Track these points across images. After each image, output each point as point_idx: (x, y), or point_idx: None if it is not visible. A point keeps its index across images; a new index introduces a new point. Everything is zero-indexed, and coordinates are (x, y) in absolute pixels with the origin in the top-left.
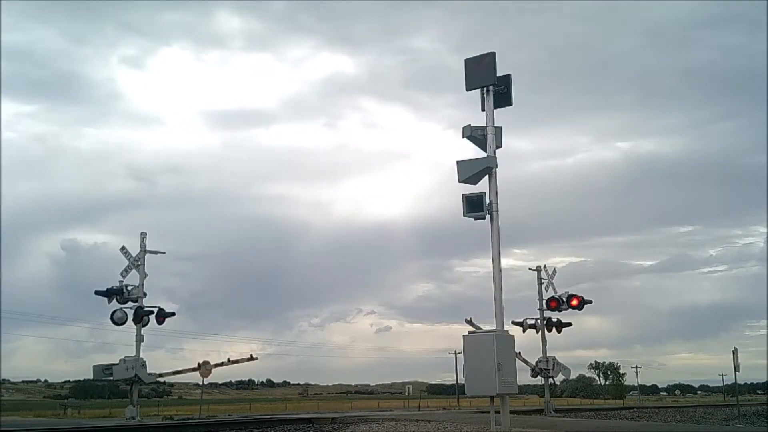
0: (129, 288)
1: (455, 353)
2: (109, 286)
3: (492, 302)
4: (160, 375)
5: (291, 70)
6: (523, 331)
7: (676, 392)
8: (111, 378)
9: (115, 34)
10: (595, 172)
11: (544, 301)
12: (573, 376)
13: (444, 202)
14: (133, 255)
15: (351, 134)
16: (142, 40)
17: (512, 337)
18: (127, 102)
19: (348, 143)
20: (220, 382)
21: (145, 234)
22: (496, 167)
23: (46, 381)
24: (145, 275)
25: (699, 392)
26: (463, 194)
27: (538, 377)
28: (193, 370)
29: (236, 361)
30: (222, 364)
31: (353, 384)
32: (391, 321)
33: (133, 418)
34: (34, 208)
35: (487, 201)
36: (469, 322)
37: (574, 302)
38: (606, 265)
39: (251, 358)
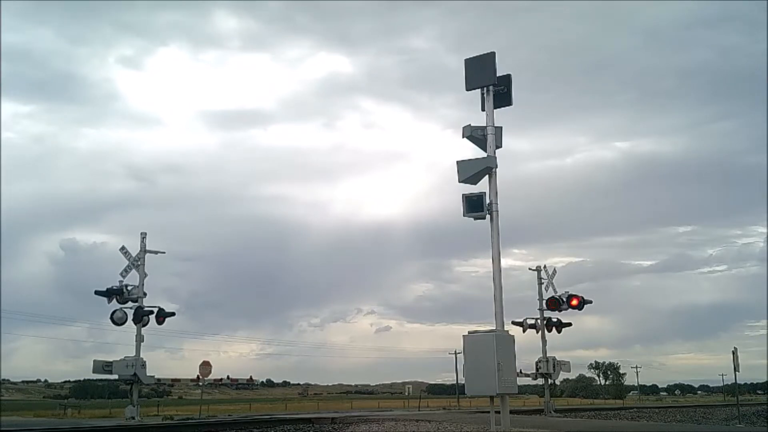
0: (129, 288)
1: (455, 353)
2: (109, 286)
3: (492, 302)
4: (159, 379)
5: (288, 70)
6: (523, 331)
7: (676, 392)
8: (110, 373)
9: (112, 34)
10: (594, 172)
11: (544, 301)
12: (573, 376)
13: (443, 202)
14: (133, 255)
15: (349, 134)
16: (139, 40)
17: (512, 337)
18: (125, 102)
19: (346, 143)
20: (220, 382)
21: (145, 234)
22: (496, 167)
23: (46, 381)
24: (145, 275)
25: (699, 392)
26: (463, 194)
27: (539, 379)
28: (192, 381)
29: (236, 380)
30: (221, 380)
31: (353, 384)
32: (390, 321)
33: (133, 418)
34: (33, 208)
35: (487, 201)
36: None
37: (574, 302)
38: (606, 265)
39: (251, 380)
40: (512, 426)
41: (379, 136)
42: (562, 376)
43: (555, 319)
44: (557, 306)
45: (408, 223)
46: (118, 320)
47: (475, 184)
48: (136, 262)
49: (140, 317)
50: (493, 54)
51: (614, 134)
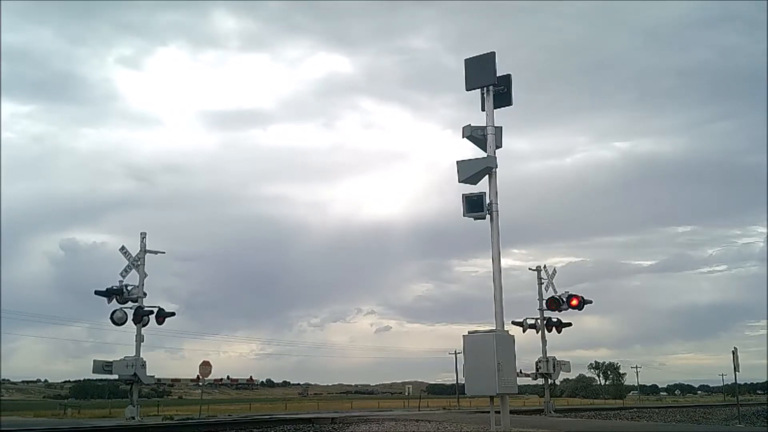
0: (129, 288)
1: (455, 353)
2: (109, 286)
3: (492, 302)
4: (159, 379)
5: (288, 70)
6: (523, 331)
7: (676, 392)
8: (110, 373)
9: (111, 34)
10: (593, 172)
11: (544, 301)
12: (573, 376)
13: (443, 202)
14: (133, 255)
15: (349, 134)
16: (138, 40)
17: (512, 337)
18: (125, 102)
19: (346, 143)
20: (220, 382)
21: (145, 234)
22: (496, 167)
23: (46, 381)
24: (145, 275)
25: (699, 392)
26: (463, 194)
27: (539, 379)
28: (192, 381)
29: (236, 380)
30: (221, 380)
31: (353, 384)
32: (390, 321)
33: (133, 418)
34: (33, 208)
35: (487, 201)
36: None
37: (574, 302)
38: (605, 265)
39: (251, 380)
40: (512, 426)
41: (378, 136)
42: (562, 376)
43: (555, 319)
44: (557, 306)
45: (408, 223)
46: (118, 320)
47: (475, 184)
48: (136, 262)
49: (140, 317)
50: (493, 54)
51: (614, 134)
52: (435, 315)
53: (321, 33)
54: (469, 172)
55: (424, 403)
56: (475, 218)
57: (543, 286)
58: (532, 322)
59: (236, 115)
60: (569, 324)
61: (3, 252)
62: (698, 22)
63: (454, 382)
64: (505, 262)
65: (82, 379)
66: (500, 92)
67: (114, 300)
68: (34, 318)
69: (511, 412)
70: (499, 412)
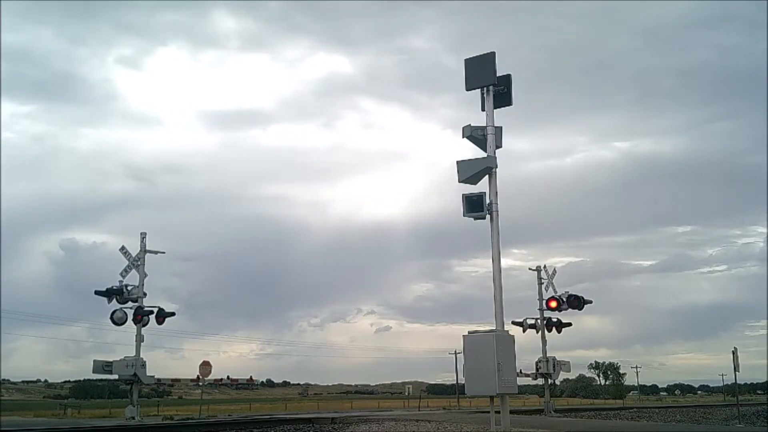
0: (129, 288)
1: (455, 353)
2: (109, 286)
3: (492, 302)
4: (159, 379)
5: (288, 70)
6: (523, 331)
7: (676, 392)
8: (110, 373)
9: (111, 34)
10: (593, 172)
11: (544, 301)
12: (573, 376)
13: (443, 202)
14: (133, 255)
15: (349, 134)
16: (138, 40)
17: (512, 337)
18: (125, 102)
19: (346, 143)
20: (220, 382)
21: (145, 234)
22: (496, 167)
23: (46, 381)
24: (145, 275)
25: (699, 392)
26: (463, 194)
27: (539, 379)
28: (192, 381)
29: (236, 380)
30: (221, 380)
31: (353, 384)
32: (390, 321)
33: (133, 418)
34: (33, 208)
35: (487, 201)
36: None
37: (574, 302)
38: (605, 265)
39: (251, 380)
40: (512, 426)
41: (378, 136)
42: (562, 376)
43: (555, 319)
44: (557, 306)
45: (408, 223)
46: (118, 320)
47: (475, 184)
48: (136, 262)
49: (140, 317)
50: (493, 54)
51: (614, 134)
52: (435, 315)
53: (321, 33)
54: (469, 172)
55: (424, 403)
56: (475, 218)
57: (543, 286)
58: (532, 322)
59: (236, 115)
60: (569, 324)
61: (3, 252)
62: (698, 22)
63: (454, 382)
64: (505, 262)
65: (82, 379)
66: (500, 92)
67: (114, 300)
68: (34, 318)
69: (511, 412)
70: (499, 412)
